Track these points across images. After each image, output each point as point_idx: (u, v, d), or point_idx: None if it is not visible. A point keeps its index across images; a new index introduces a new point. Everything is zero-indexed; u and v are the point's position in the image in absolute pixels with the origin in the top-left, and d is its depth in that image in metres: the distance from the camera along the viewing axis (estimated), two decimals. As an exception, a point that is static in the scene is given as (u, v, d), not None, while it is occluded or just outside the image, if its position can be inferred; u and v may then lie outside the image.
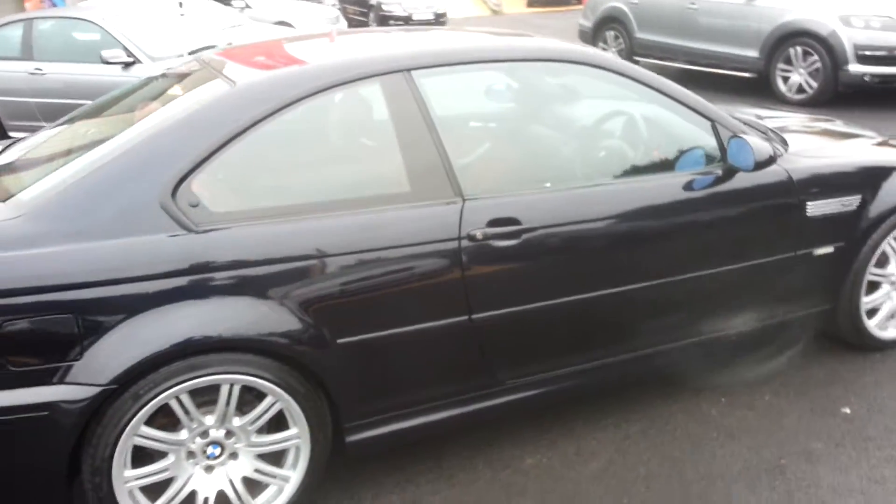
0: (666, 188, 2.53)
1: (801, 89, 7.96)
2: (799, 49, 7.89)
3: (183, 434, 2.05)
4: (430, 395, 2.34)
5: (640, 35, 9.85)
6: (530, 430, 2.69)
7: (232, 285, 2.01)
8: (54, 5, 14.63)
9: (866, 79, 7.53)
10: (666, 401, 2.85)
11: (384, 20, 16.87)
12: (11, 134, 6.67)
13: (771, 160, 2.57)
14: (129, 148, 2.05)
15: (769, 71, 8.22)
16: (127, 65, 6.60)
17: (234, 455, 2.16)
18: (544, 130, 2.68)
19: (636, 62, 10.04)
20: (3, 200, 2.08)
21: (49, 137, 2.65)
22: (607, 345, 2.56)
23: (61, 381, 1.89)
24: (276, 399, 2.09)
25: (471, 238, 2.21)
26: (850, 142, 3.17)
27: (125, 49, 6.67)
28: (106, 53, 6.54)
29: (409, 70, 2.28)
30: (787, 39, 8.00)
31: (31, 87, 6.99)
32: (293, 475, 2.20)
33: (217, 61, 2.51)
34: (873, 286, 3.04)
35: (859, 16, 7.52)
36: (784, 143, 2.86)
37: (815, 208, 2.72)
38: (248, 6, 13.99)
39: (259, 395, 2.10)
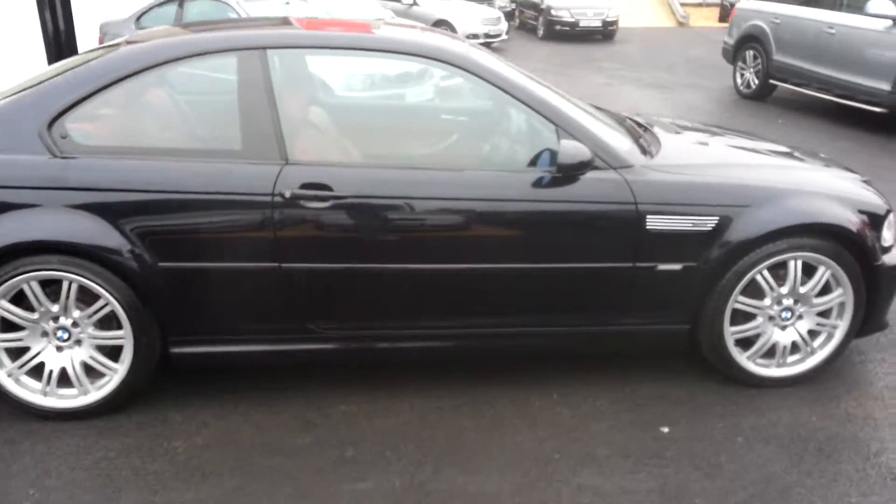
0: (493, 181, 2.73)
1: (932, 130, 7.21)
2: (934, 85, 7.15)
3: (35, 315, 2.65)
4: (246, 328, 2.76)
5: (778, 57, 9.33)
6: (354, 384, 3.01)
7: (79, 203, 2.56)
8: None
9: None
10: (500, 386, 3.03)
11: (552, 25, 17.11)
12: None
13: (582, 166, 2.66)
14: (28, 90, 2.67)
15: (901, 107, 7.53)
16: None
17: (79, 342, 2.72)
18: (378, 115, 2.98)
19: (773, 87, 9.56)
20: None
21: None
22: (422, 317, 2.82)
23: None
24: (106, 302, 2.63)
25: (281, 196, 2.60)
26: (747, 168, 3.06)
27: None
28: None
29: (264, 48, 2.70)
30: (922, 73, 7.28)
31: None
32: (120, 369, 2.73)
33: (145, 34, 3.10)
34: (748, 316, 2.97)
35: None
36: (646, 153, 2.92)
37: (656, 222, 2.76)
38: (415, 3, 14.89)
39: (97, 296, 2.64)
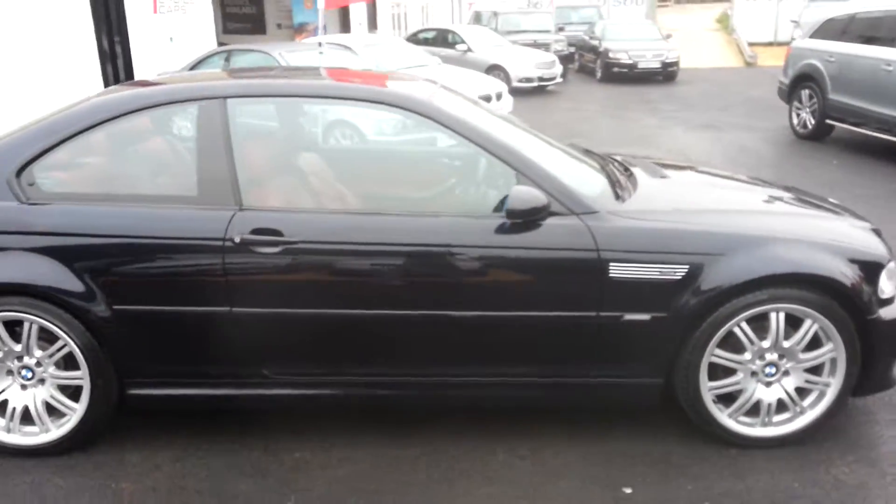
0: (452, 227, 2.66)
1: None
2: None
3: (-1, 354, 2.73)
4: (200, 372, 2.76)
5: (834, 97, 8.94)
6: (316, 430, 2.96)
7: (39, 247, 2.64)
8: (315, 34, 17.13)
9: None
10: (468, 436, 2.92)
11: (609, 67, 16.99)
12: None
13: (536, 211, 2.57)
14: (1, 141, 2.80)
15: (965, 147, 7.06)
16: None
17: (42, 381, 2.78)
18: (345, 160, 2.97)
19: (830, 127, 9.15)
20: None
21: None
22: (377, 364, 2.75)
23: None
24: (65, 343, 2.68)
25: (232, 241, 2.61)
26: (727, 214, 2.86)
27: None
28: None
29: (224, 98, 2.75)
30: None
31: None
32: (79, 408, 2.77)
33: (127, 85, 3.21)
34: (729, 371, 2.78)
35: None
36: (619, 198, 2.80)
37: (620, 270, 2.63)
38: (470, 50, 15.08)
39: (57, 337, 2.70)
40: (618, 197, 2.89)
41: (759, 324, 2.72)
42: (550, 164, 2.84)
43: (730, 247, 2.67)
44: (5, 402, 2.79)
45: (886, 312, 2.74)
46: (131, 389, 2.78)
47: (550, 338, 2.73)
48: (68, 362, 2.74)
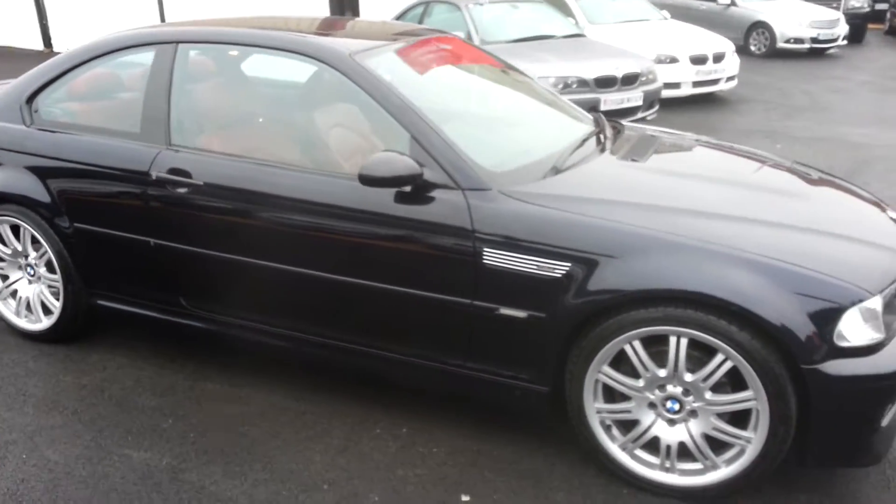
0: (338, 188, 2.56)
1: None
2: None
3: (8, 250, 3.29)
4: (140, 294, 3.05)
5: None
6: (247, 365, 3.12)
7: (28, 165, 3.11)
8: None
9: None
10: (364, 403, 2.86)
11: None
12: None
13: (399, 181, 2.35)
14: (26, 74, 3.30)
15: None
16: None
17: (39, 278, 3.29)
18: (254, 109, 2.96)
19: None
20: None
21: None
22: (263, 312, 2.80)
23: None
24: (44, 248, 3.15)
25: (150, 177, 2.82)
26: (652, 211, 2.31)
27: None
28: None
29: (177, 42, 2.93)
30: None
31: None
32: (58, 306, 3.23)
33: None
34: (626, 396, 2.33)
35: None
36: (552, 174, 2.52)
37: (494, 257, 2.32)
38: (734, 3, 13.68)
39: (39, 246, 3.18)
40: (547, 175, 2.53)
41: (663, 348, 2.23)
42: (466, 132, 2.57)
43: (625, 248, 2.21)
44: (16, 291, 3.37)
45: (838, 366, 2.06)
46: (99, 300, 3.17)
47: (426, 319, 2.52)
48: (52, 266, 3.21)
